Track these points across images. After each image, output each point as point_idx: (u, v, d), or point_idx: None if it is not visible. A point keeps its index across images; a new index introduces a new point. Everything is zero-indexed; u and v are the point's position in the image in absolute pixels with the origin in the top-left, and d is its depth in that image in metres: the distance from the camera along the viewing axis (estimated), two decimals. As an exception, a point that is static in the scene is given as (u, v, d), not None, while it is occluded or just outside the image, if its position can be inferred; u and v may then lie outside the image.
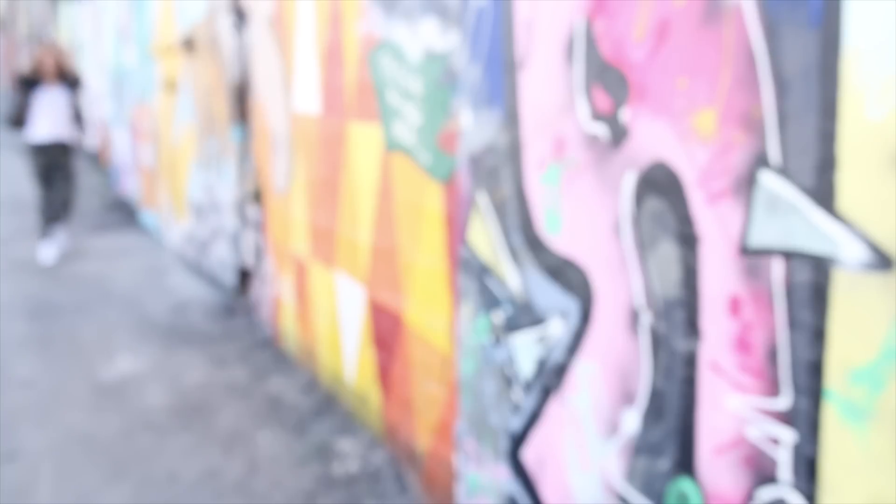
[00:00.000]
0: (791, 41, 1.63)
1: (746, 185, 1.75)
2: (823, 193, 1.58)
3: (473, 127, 2.79)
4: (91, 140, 13.00)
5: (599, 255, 2.25)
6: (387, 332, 3.75)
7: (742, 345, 1.80)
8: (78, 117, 7.73)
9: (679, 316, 1.98)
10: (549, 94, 2.38)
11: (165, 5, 7.66)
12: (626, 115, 2.10)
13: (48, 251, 7.60)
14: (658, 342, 2.06)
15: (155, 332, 5.52)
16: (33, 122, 7.51)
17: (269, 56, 5.09)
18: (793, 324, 1.67)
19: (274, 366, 4.97)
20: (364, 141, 3.82)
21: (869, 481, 1.54)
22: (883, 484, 1.51)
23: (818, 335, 1.62)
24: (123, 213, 9.70)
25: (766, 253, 1.72)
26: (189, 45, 6.80)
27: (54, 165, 7.65)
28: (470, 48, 2.78)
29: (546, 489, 2.57)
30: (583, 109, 2.26)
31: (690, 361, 1.96)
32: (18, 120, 7.56)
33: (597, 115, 2.21)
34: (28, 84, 7.50)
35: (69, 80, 7.68)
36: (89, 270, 7.12)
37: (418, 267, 3.40)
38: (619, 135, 2.13)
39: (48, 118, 7.50)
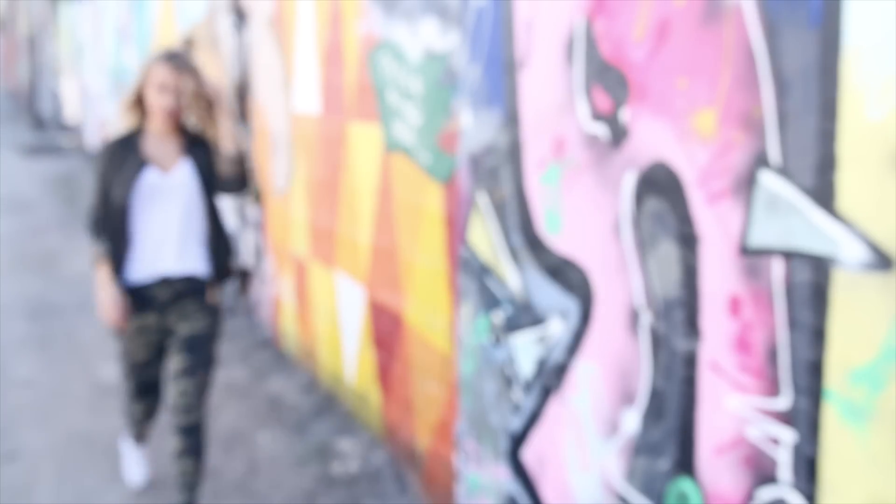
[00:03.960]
0: (791, 41, 1.63)
1: (746, 185, 1.75)
2: (823, 193, 1.58)
3: (473, 127, 2.79)
4: (92, 141, 13.01)
5: (599, 255, 2.25)
6: (387, 332, 3.75)
7: (742, 345, 1.80)
8: (222, 237, 3.27)
9: (679, 316, 1.98)
10: (549, 94, 2.38)
11: (165, 5, 7.66)
12: (626, 115, 2.10)
13: (138, 467, 3.61)
14: (658, 342, 2.06)
15: (155, 332, 5.52)
16: (120, 246, 3.13)
17: (269, 56, 5.09)
18: (793, 324, 1.67)
19: (274, 366, 4.96)
20: (364, 141, 3.82)
21: (869, 481, 1.54)
22: (883, 484, 1.51)
23: (818, 335, 1.62)
24: (123, 213, 9.68)
25: (766, 253, 1.72)
26: (189, 45, 6.80)
27: (182, 337, 3.20)
28: (470, 48, 2.78)
29: (546, 489, 2.57)
30: (583, 109, 2.26)
31: (690, 361, 1.96)
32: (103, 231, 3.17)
33: (597, 115, 2.21)
34: (118, 160, 3.11)
35: (208, 147, 3.20)
36: (89, 270, 7.12)
37: (418, 267, 3.40)
38: (619, 135, 2.13)
39: (167, 238, 3.14)
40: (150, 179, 3.04)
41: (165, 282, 3.11)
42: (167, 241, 3.09)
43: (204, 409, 3.17)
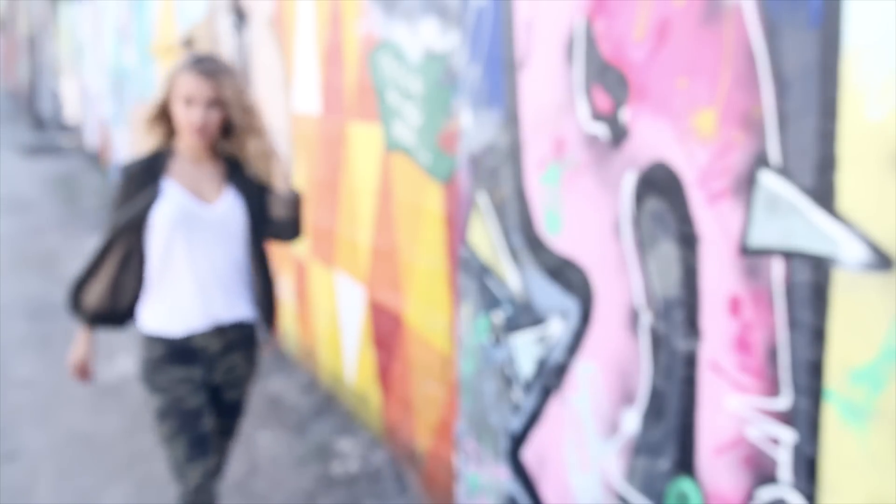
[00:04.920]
0: (791, 41, 1.63)
1: (746, 185, 1.75)
2: (823, 193, 1.58)
3: (473, 127, 2.79)
4: (92, 140, 13.02)
5: (599, 255, 2.25)
6: (387, 332, 3.75)
7: (742, 345, 1.80)
8: (269, 276, 2.74)
9: (679, 316, 1.97)
10: (549, 94, 2.38)
11: (165, 5, 7.66)
12: (626, 115, 2.10)
13: None
14: (658, 342, 2.06)
15: (155, 332, 5.52)
16: (158, 290, 2.62)
17: (269, 56, 5.09)
18: (793, 324, 1.67)
19: (274, 366, 4.96)
20: (364, 141, 3.82)
21: (869, 481, 1.54)
22: (883, 484, 1.51)
23: (818, 335, 1.62)
24: (123, 213, 9.69)
25: (766, 253, 1.72)
26: (189, 45, 6.80)
27: (226, 402, 2.75)
28: (470, 48, 2.78)
29: (546, 489, 2.57)
30: (583, 109, 2.26)
31: (690, 361, 1.96)
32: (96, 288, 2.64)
33: (597, 115, 2.21)
34: (141, 188, 2.56)
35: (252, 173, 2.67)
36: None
37: (418, 267, 3.40)
38: (619, 135, 2.13)
39: (213, 279, 2.61)
40: (186, 208, 2.51)
41: (218, 331, 2.59)
42: (213, 283, 2.56)
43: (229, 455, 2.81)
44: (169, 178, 2.53)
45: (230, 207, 2.57)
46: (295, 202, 2.65)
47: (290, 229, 2.68)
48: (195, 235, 2.52)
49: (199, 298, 2.54)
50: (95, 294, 2.59)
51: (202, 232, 2.53)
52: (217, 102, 2.49)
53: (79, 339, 2.75)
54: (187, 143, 2.54)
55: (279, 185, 2.62)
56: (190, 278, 2.53)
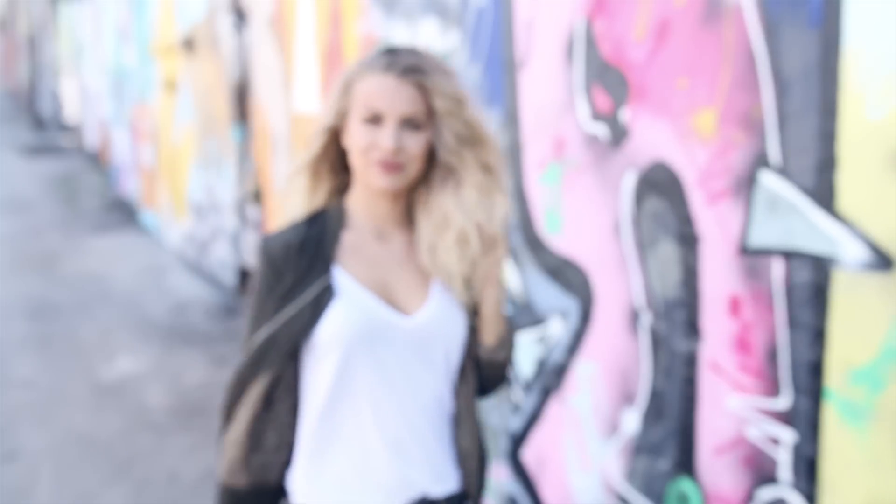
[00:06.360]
0: (791, 41, 1.63)
1: (746, 185, 1.75)
2: (823, 193, 1.58)
3: (473, 127, 2.79)
4: (92, 140, 13.03)
5: (599, 255, 2.24)
6: (387, 332, 3.75)
7: (742, 345, 1.80)
8: (477, 421, 1.62)
9: (679, 316, 1.97)
10: (549, 94, 2.38)
11: (165, 5, 7.66)
12: (626, 115, 2.10)
13: None
14: (658, 342, 2.06)
15: (155, 332, 5.52)
16: (323, 448, 1.55)
17: (269, 56, 5.09)
18: (793, 324, 1.67)
19: (274, 366, 4.96)
20: (364, 141, 3.82)
21: (869, 481, 1.54)
22: (883, 484, 1.51)
23: (818, 335, 1.62)
24: (123, 213, 9.70)
25: (766, 253, 1.72)
26: (189, 45, 6.80)
27: None
28: (470, 48, 2.78)
29: (546, 489, 2.57)
30: (583, 109, 2.26)
31: (690, 361, 1.96)
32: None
33: (597, 115, 2.21)
34: (297, 280, 1.51)
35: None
36: (89, 270, 7.12)
37: (418, 267, 3.39)
38: (619, 135, 2.13)
39: (394, 429, 1.53)
40: (372, 318, 1.49)
41: None
42: (411, 436, 1.54)
43: None
44: (340, 264, 1.51)
45: (441, 313, 1.52)
46: (510, 333, 1.60)
47: (499, 375, 1.62)
48: (384, 361, 1.51)
49: (390, 460, 1.54)
50: (226, 456, 1.56)
51: (395, 355, 1.52)
52: (421, 121, 1.46)
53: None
54: (370, 194, 1.52)
55: (498, 293, 1.54)
56: (375, 428, 1.53)
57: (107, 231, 8.79)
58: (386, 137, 1.44)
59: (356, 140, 1.47)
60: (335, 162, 1.56)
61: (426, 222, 1.51)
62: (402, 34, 3.35)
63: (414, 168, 1.48)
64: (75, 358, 5.04)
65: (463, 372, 1.58)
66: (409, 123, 1.46)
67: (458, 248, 1.48)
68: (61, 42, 15.57)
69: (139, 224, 9.22)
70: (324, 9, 4.18)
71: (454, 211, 1.47)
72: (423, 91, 1.46)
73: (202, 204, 6.88)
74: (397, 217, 1.55)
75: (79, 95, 13.97)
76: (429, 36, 3.14)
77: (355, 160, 1.49)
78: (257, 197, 5.56)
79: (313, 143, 1.55)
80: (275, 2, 4.93)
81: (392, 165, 1.46)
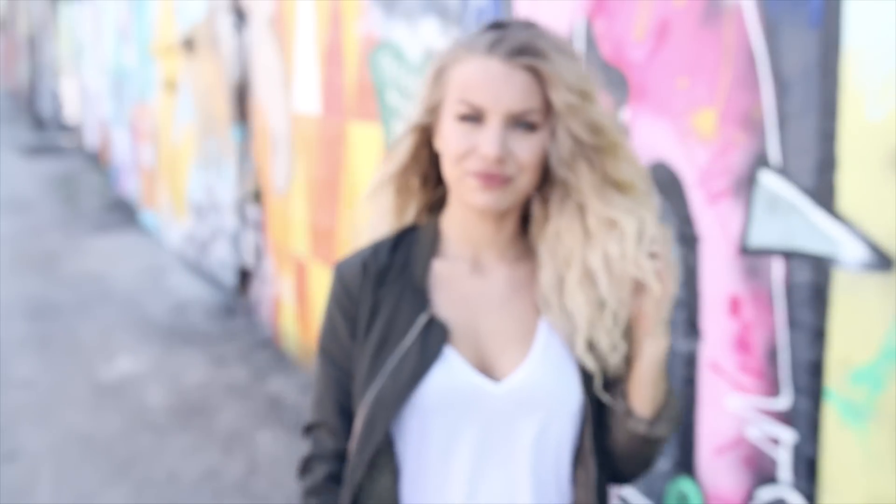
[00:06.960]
0: (791, 41, 1.63)
1: (746, 185, 1.75)
2: (823, 193, 1.58)
3: (473, 127, 2.79)
4: (92, 140, 13.03)
5: (599, 255, 2.24)
6: (387, 332, 3.75)
7: (742, 345, 1.80)
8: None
9: (679, 316, 1.97)
10: (549, 94, 2.38)
11: (165, 5, 7.66)
12: (626, 115, 2.10)
13: None
14: (658, 342, 2.06)
15: (155, 332, 5.52)
16: None
17: (269, 56, 5.09)
18: (793, 324, 1.67)
19: (274, 366, 4.96)
20: (364, 141, 3.82)
21: (869, 481, 1.54)
22: (883, 484, 1.51)
23: (818, 335, 1.62)
24: (123, 213, 9.70)
25: (766, 253, 1.72)
26: (189, 45, 6.80)
27: None
28: (470, 48, 2.78)
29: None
30: (583, 109, 2.26)
31: (690, 361, 1.96)
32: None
33: (597, 115, 2.21)
34: (376, 317, 1.19)
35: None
36: (89, 270, 7.12)
37: (418, 267, 3.39)
38: (619, 135, 2.13)
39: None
40: (458, 384, 1.16)
41: None
42: None
43: None
44: (433, 305, 1.19)
45: (543, 376, 1.16)
46: (673, 402, 1.19)
47: (649, 456, 1.22)
48: (475, 434, 1.16)
49: None
50: None
51: (489, 429, 1.16)
52: (535, 119, 1.13)
53: None
54: (466, 214, 1.19)
55: (657, 348, 1.15)
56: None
57: (107, 231, 8.80)
58: (487, 141, 1.10)
59: (449, 144, 1.14)
60: (428, 171, 1.23)
61: (548, 255, 1.16)
62: (403, 34, 3.35)
63: (525, 182, 1.13)
64: (75, 358, 5.04)
65: (579, 453, 1.17)
66: (519, 122, 1.12)
67: (581, 289, 1.13)
68: (61, 42, 15.57)
69: (139, 224, 9.22)
70: (324, 9, 4.18)
71: (575, 241, 1.13)
72: (539, 80, 1.12)
73: (202, 204, 6.88)
74: (501, 245, 1.19)
75: (79, 95, 13.97)
76: (429, 36, 3.14)
77: (448, 170, 1.15)
78: (257, 197, 5.56)
79: (398, 147, 1.23)
80: (275, 2, 4.93)
81: (495, 178, 1.11)
